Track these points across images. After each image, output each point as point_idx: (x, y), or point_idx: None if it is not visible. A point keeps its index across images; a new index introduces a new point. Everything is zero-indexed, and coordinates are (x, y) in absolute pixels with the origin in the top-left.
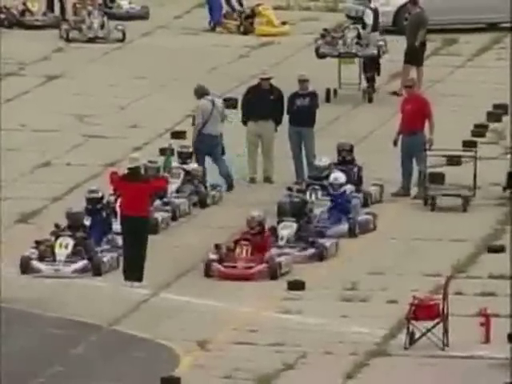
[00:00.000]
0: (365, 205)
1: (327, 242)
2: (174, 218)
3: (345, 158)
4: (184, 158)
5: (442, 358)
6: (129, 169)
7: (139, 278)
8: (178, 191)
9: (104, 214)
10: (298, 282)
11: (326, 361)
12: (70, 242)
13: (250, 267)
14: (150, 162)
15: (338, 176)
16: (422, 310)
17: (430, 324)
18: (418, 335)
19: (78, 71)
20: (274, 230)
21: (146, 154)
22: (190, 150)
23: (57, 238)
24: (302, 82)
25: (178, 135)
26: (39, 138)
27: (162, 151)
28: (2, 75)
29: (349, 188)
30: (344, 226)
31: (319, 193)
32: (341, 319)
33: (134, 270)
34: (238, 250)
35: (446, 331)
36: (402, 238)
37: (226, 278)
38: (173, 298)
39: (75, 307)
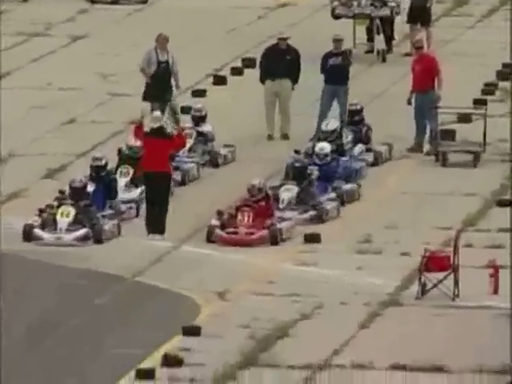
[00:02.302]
0: (375, 164)
1: (328, 205)
2: (183, 183)
3: (353, 119)
4: (197, 119)
5: (453, 308)
6: (152, 128)
7: (161, 232)
8: (190, 150)
9: (107, 180)
10: (314, 235)
11: (341, 311)
12: (72, 211)
13: (251, 233)
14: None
15: (324, 146)
16: (434, 262)
17: (441, 275)
18: (429, 286)
19: (101, 32)
20: (275, 194)
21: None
22: (203, 113)
23: (59, 206)
24: (337, 41)
25: (198, 93)
26: (65, 96)
27: (183, 109)
28: (29, 36)
29: (359, 147)
30: (330, 196)
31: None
32: (355, 271)
33: (156, 224)
34: (239, 217)
35: (456, 282)
36: (414, 192)
37: (228, 243)
38: (193, 251)
39: (99, 259)
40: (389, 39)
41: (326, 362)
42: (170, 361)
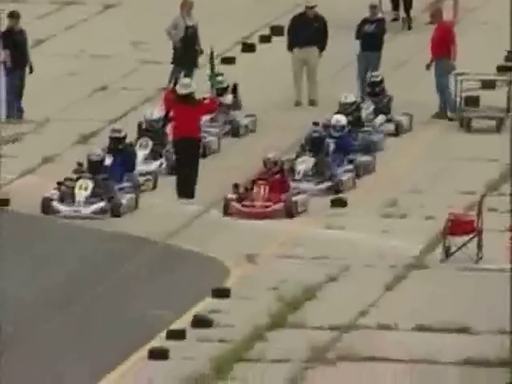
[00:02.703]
0: (396, 134)
1: (344, 176)
2: (203, 155)
3: (374, 90)
4: (219, 90)
5: (476, 271)
6: (181, 94)
7: (191, 196)
8: (211, 121)
9: (126, 153)
10: (341, 199)
11: (367, 273)
12: (90, 184)
13: (267, 206)
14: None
15: (340, 118)
16: (458, 226)
17: (465, 239)
18: (453, 249)
19: (132, 1)
20: (291, 165)
21: (197, 78)
22: (225, 84)
23: (77, 179)
24: (373, 8)
25: (228, 61)
26: (97, 63)
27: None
28: (62, 4)
29: (380, 118)
30: (347, 168)
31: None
32: (381, 234)
33: (186, 188)
34: (255, 190)
35: (479, 245)
36: (438, 158)
37: (244, 216)
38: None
39: (131, 222)
40: (408, 8)
41: (352, 324)
42: (200, 322)
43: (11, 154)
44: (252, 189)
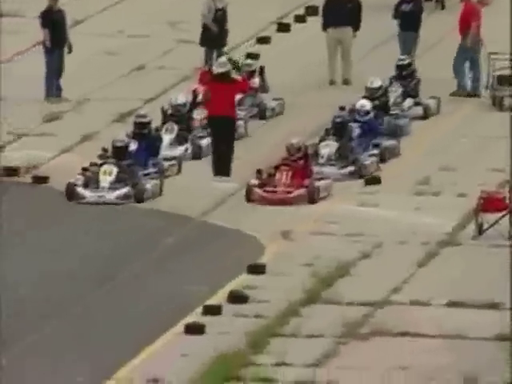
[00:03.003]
0: (424, 117)
1: (367, 161)
2: None
3: (402, 73)
4: (248, 74)
5: (508, 248)
6: (217, 73)
7: (227, 173)
8: (239, 104)
9: (151, 138)
10: (375, 177)
11: (400, 250)
12: (114, 170)
13: (289, 192)
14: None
15: (365, 103)
16: (490, 203)
17: (497, 216)
18: (485, 226)
19: None
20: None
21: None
22: (253, 67)
23: (101, 165)
24: None
25: (263, 41)
26: (134, 43)
27: (249, 55)
28: None
29: (408, 102)
30: (371, 152)
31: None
32: (414, 211)
33: (222, 166)
34: (278, 176)
35: None
36: (471, 136)
37: (266, 202)
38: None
39: (167, 200)
40: None
41: (385, 300)
42: (236, 298)
43: (50, 133)
44: (274, 175)
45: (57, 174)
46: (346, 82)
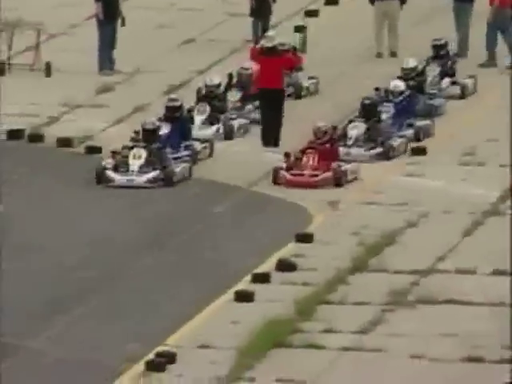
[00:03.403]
0: (462, 96)
1: (395, 142)
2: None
3: (439, 53)
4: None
5: None
6: (266, 47)
7: (276, 144)
8: None
9: (182, 121)
10: (421, 148)
11: (445, 219)
12: (144, 153)
13: (316, 175)
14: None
15: (398, 84)
16: None
17: None
18: None
19: None
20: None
21: (281, 32)
22: (286, 46)
23: (131, 148)
24: None
25: (310, 13)
26: (185, 16)
27: (297, 28)
28: None
29: (445, 81)
30: (409, 132)
31: (406, 93)
32: (459, 182)
33: (271, 137)
34: (304, 159)
35: None
36: None
37: (293, 185)
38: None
39: (216, 170)
40: None
41: (431, 268)
42: (285, 266)
43: (104, 104)
44: (301, 158)
45: (109, 145)
46: (393, 54)
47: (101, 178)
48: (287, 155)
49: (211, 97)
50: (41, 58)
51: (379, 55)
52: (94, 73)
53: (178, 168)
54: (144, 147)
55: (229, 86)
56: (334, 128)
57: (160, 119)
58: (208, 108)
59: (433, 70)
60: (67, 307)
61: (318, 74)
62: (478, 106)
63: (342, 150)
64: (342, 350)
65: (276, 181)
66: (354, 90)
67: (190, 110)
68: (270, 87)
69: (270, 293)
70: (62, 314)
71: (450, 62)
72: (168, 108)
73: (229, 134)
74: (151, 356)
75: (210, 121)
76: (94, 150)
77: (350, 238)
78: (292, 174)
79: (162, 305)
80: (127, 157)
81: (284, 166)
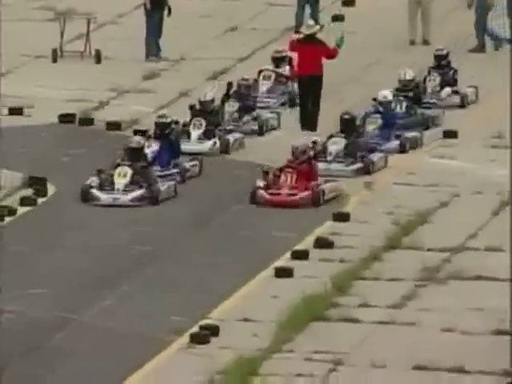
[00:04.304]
0: (462, 105)
1: (375, 157)
2: (260, 133)
3: (440, 63)
4: (276, 61)
5: None
6: (305, 34)
7: (313, 128)
8: (268, 92)
9: (172, 138)
10: (452, 132)
11: (476, 199)
12: (129, 171)
13: (294, 194)
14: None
15: (386, 94)
16: None
17: None
18: None
19: None
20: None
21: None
22: (284, 54)
23: (116, 167)
24: None
25: (348, 3)
26: (228, 5)
27: (334, 18)
28: None
29: (446, 91)
30: (394, 143)
31: (404, 104)
32: (489, 163)
33: (309, 121)
34: (282, 178)
35: None
36: None
37: (270, 204)
38: None
39: (257, 152)
40: None
41: (461, 246)
42: (322, 243)
43: (150, 89)
44: (279, 176)
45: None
46: (425, 42)
47: (86, 197)
48: (266, 173)
49: (206, 111)
50: (91, 46)
51: (412, 43)
52: (140, 60)
53: (164, 186)
54: (129, 165)
55: (227, 97)
56: (314, 143)
57: (149, 136)
58: (204, 122)
59: (433, 80)
60: (117, 282)
61: (353, 61)
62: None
63: (321, 165)
64: (377, 323)
65: (254, 200)
66: (388, 77)
67: (186, 125)
68: (309, 74)
69: (309, 269)
70: (113, 288)
71: (451, 72)
72: (158, 125)
73: (225, 149)
74: (196, 329)
75: (207, 135)
76: (141, 134)
77: (384, 217)
78: (270, 194)
79: (207, 280)
80: (112, 175)
81: (262, 185)
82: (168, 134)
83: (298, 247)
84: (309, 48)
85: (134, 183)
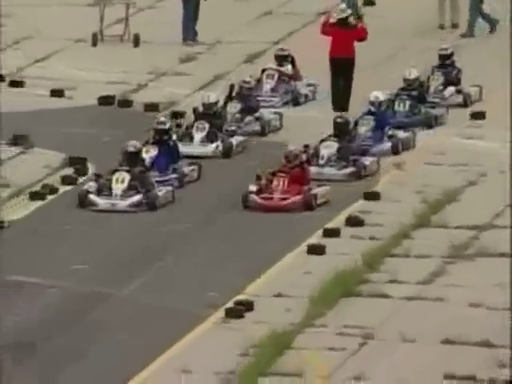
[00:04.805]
0: (465, 105)
1: (367, 161)
2: (263, 133)
3: (444, 62)
4: (280, 59)
5: None
6: (338, 18)
7: (345, 108)
8: (272, 91)
9: (171, 143)
10: (480, 113)
11: (502, 179)
12: (127, 177)
13: (285, 199)
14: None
15: (378, 95)
16: None
17: None
18: None
19: None
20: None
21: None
22: (287, 53)
23: (114, 172)
24: None
25: None
26: None
27: (366, 2)
28: None
29: (449, 90)
30: (386, 144)
31: (407, 103)
32: None
33: (341, 102)
34: (274, 182)
35: None
36: None
37: (262, 209)
38: None
39: (289, 133)
40: None
41: (489, 223)
42: (353, 221)
43: (186, 72)
44: (272, 181)
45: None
46: (454, 26)
47: (84, 202)
48: (258, 178)
49: (209, 114)
50: (130, 30)
51: (441, 27)
52: (177, 43)
53: (161, 192)
54: (127, 171)
55: (229, 98)
56: (306, 147)
57: (147, 142)
58: (207, 125)
59: (436, 79)
60: (155, 258)
61: (381, 45)
62: None
63: (314, 169)
64: (406, 299)
65: (246, 205)
66: (418, 60)
67: (189, 128)
68: (341, 56)
69: (340, 246)
70: (151, 264)
71: (454, 71)
72: (156, 131)
73: (228, 151)
74: (231, 304)
75: (210, 138)
76: (177, 115)
77: (413, 196)
78: (262, 198)
79: (242, 257)
80: (110, 180)
81: (254, 189)
82: (167, 140)
83: (330, 225)
84: (341, 31)
85: (131, 188)
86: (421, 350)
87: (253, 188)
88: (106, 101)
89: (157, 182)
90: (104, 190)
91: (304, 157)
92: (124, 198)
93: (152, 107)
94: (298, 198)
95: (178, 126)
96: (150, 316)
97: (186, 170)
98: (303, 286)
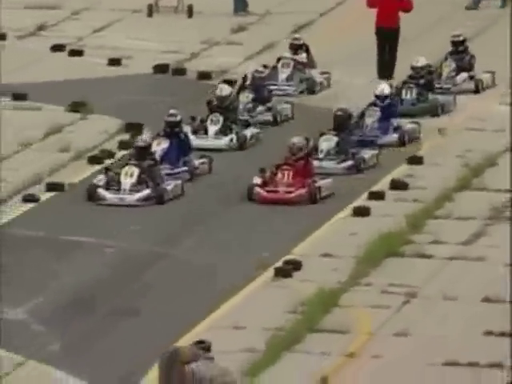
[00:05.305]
0: (476, 91)
1: (366, 154)
2: (275, 122)
3: (457, 49)
4: (295, 48)
5: None
6: None
7: (390, 76)
8: (287, 79)
9: (182, 136)
10: None
11: None
12: (136, 171)
13: (290, 192)
14: None
15: (384, 88)
16: None
17: None
18: None
19: None
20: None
21: None
22: (301, 41)
23: (123, 166)
24: None
25: None
26: None
27: None
28: None
29: (461, 76)
30: (393, 136)
31: (414, 91)
32: None
33: (386, 70)
34: (279, 175)
35: None
36: None
37: (267, 202)
38: None
39: (328, 100)
40: None
41: None
42: (397, 185)
43: (238, 42)
44: (276, 174)
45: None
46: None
47: (92, 196)
48: (263, 171)
49: (223, 107)
50: (183, 2)
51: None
52: (229, 14)
53: (170, 186)
54: (136, 165)
55: (242, 88)
56: (307, 140)
57: (158, 134)
58: (221, 118)
59: (449, 66)
60: (206, 219)
61: (412, 20)
62: None
63: (313, 162)
64: (448, 259)
65: (251, 197)
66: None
67: (203, 121)
68: (386, 26)
69: (385, 209)
70: (202, 225)
71: (467, 57)
72: (167, 123)
73: (242, 144)
74: (280, 264)
75: (224, 131)
76: (229, 83)
77: (455, 161)
78: (267, 191)
79: (291, 219)
80: (119, 174)
81: (259, 182)
82: (178, 132)
83: (375, 188)
84: (387, 2)
85: (141, 182)
86: (462, 307)
87: (257, 181)
88: (160, 69)
89: (167, 174)
90: (113, 183)
91: (307, 146)
92: (132, 193)
93: (205, 75)
94: (302, 190)
95: (193, 118)
96: (201, 276)
97: (197, 162)
98: (349, 246)
